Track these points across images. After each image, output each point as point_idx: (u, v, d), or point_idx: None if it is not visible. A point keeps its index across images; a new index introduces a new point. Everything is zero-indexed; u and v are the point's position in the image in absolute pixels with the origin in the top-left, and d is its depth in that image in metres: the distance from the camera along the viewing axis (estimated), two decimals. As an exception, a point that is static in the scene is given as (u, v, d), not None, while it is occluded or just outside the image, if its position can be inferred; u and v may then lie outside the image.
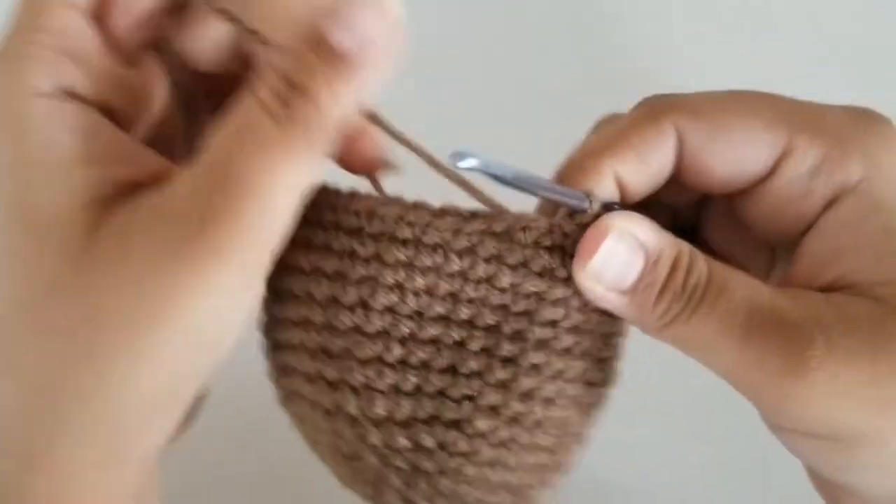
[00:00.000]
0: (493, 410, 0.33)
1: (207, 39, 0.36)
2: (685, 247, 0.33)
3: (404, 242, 0.33)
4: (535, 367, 0.34)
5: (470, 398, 0.33)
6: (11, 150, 0.31)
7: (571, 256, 0.32)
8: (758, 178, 0.34)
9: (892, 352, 0.31)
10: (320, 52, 0.29)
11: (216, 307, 0.30)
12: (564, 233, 0.32)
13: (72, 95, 0.32)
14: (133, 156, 0.32)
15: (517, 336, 0.33)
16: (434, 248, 0.32)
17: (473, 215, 0.33)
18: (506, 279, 0.32)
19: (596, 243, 0.32)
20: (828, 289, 0.34)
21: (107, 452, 0.31)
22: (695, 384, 0.38)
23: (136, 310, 0.29)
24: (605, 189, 0.34)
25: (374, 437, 0.34)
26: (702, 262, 0.33)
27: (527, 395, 0.34)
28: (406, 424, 0.33)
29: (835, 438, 0.32)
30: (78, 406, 0.30)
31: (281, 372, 0.36)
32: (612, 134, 0.35)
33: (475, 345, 0.33)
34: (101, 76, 0.32)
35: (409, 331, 0.33)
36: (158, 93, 0.36)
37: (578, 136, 0.37)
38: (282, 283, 0.35)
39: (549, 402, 0.34)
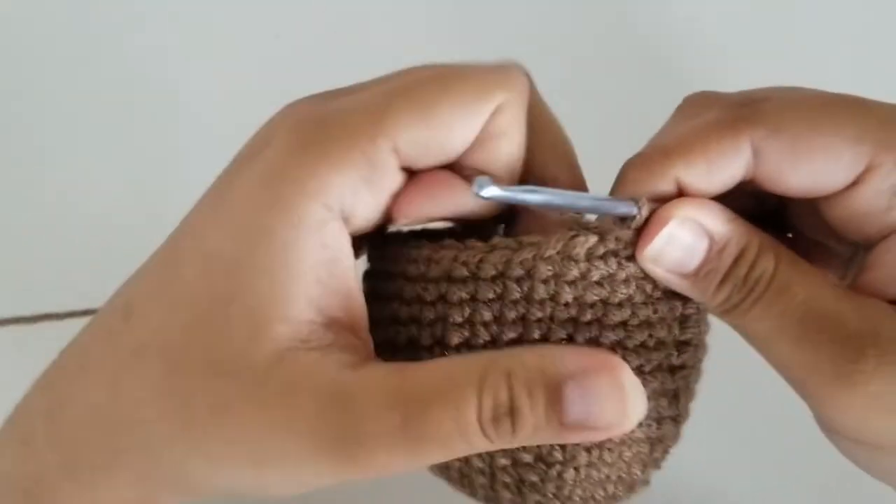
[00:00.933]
0: None
1: None
2: (755, 239, 0.34)
3: (463, 281, 0.34)
4: None
5: None
6: (266, 227, 0.32)
7: (628, 259, 0.34)
8: (836, 191, 0.34)
9: None
10: (553, 400, 0.31)
11: (308, 485, 0.33)
12: (617, 238, 0.33)
13: (342, 216, 0.32)
14: (352, 302, 0.33)
15: (591, 343, 0.35)
16: (493, 279, 0.34)
17: (521, 244, 0.34)
18: (567, 295, 0.34)
19: (657, 228, 0.33)
20: (893, 304, 0.33)
21: (137, 499, 0.34)
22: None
23: (250, 448, 0.32)
24: (663, 191, 0.34)
25: (477, 461, 0.36)
26: (769, 257, 0.33)
27: None
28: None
29: (876, 446, 0.33)
30: (145, 461, 0.33)
31: None
32: (687, 136, 0.34)
33: None
34: (372, 215, 0.33)
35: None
36: None
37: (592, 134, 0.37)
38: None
39: None
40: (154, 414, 0.32)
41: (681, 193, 0.34)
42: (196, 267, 0.32)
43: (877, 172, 0.33)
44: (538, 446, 0.35)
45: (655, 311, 0.35)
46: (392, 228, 0.37)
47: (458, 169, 0.34)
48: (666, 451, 0.39)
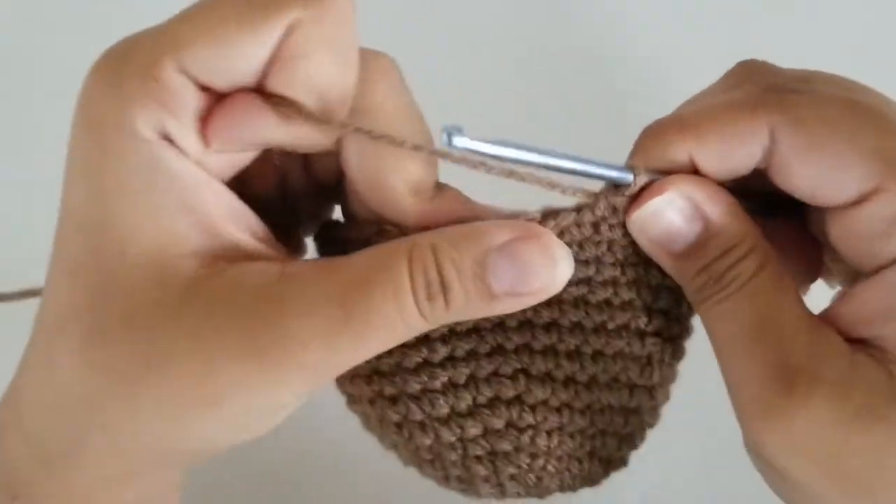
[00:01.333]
0: (548, 375, 0.35)
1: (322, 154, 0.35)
2: (750, 240, 0.33)
3: None
4: (577, 325, 0.35)
5: (523, 371, 0.35)
6: (115, 182, 0.31)
7: (611, 227, 0.33)
8: (840, 204, 0.32)
9: (868, 429, 0.31)
10: (480, 270, 0.31)
11: (271, 408, 0.32)
12: (613, 207, 0.33)
13: (177, 146, 0.31)
14: (238, 214, 0.33)
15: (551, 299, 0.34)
16: None
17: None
18: None
19: (653, 195, 0.33)
20: (860, 342, 0.33)
21: (115, 475, 0.33)
22: (694, 385, 0.38)
23: (194, 387, 0.30)
24: (675, 163, 0.33)
25: (447, 434, 0.35)
26: (754, 261, 0.33)
27: (574, 354, 0.35)
28: (471, 413, 0.35)
29: (783, 477, 0.33)
30: (106, 431, 0.32)
31: (349, 401, 0.38)
32: (706, 110, 0.34)
33: (512, 321, 0.35)
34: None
35: (446, 329, 0.35)
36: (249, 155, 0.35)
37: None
38: None
39: (599, 355, 0.36)
40: (91, 384, 0.31)
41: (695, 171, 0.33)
42: (76, 235, 0.32)
43: (883, 196, 0.31)
44: (508, 410, 0.35)
45: (623, 273, 0.35)
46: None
47: (266, 95, 0.32)
48: (642, 429, 0.38)
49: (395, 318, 0.30)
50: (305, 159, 0.36)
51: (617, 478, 0.38)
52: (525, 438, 0.35)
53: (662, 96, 0.37)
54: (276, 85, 0.31)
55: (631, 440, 0.38)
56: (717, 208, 0.33)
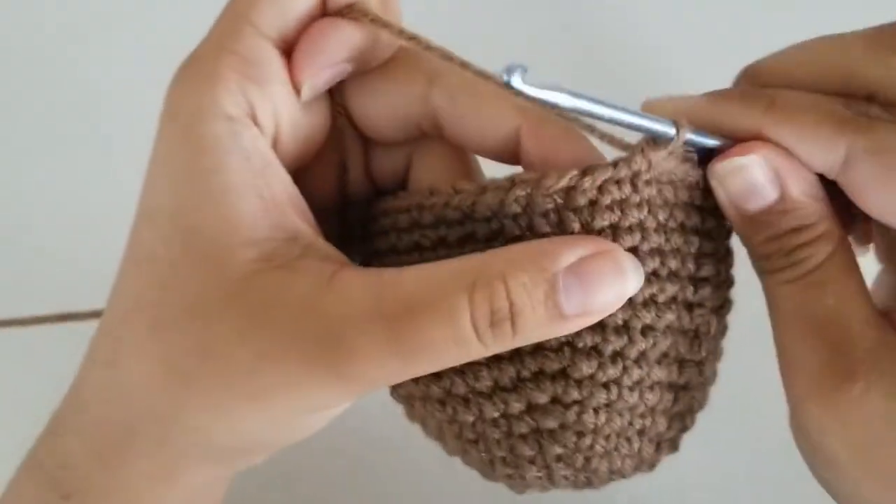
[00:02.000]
0: (594, 350, 0.34)
1: (384, 109, 0.35)
2: (824, 225, 0.33)
3: (460, 222, 0.33)
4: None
5: (568, 343, 0.34)
6: (188, 166, 0.31)
7: (647, 182, 0.32)
8: None
9: None
10: (552, 293, 0.30)
11: (316, 410, 0.32)
12: (639, 160, 0.32)
13: (253, 121, 0.32)
14: (294, 199, 0.33)
15: None
16: (489, 220, 0.33)
17: (514, 182, 0.32)
18: (574, 223, 0.32)
19: (742, 151, 0.33)
20: None
21: (161, 471, 0.33)
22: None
23: (242, 381, 0.31)
24: (737, 132, 0.34)
25: (490, 410, 0.34)
26: (826, 247, 0.33)
27: (622, 328, 0.34)
28: (515, 388, 0.34)
29: (832, 463, 0.33)
30: (157, 421, 0.32)
31: (393, 387, 0.37)
32: (796, 103, 0.34)
33: None
34: (282, 111, 0.33)
35: None
36: (319, 134, 0.36)
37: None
38: None
39: (648, 329, 0.34)
40: (148, 374, 0.32)
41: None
42: (147, 225, 0.32)
43: None
44: (553, 385, 0.33)
45: (668, 240, 0.34)
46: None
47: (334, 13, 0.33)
48: (692, 409, 0.37)
49: (448, 345, 0.30)
50: (367, 162, 0.37)
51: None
52: (571, 415, 0.34)
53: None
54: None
55: (682, 419, 0.37)
56: (799, 184, 0.33)
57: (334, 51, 0.33)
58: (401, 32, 0.33)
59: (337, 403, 0.32)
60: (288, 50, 0.33)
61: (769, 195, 0.33)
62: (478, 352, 0.30)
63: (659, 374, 0.35)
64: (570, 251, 0.31)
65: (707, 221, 0.36)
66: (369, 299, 0.30)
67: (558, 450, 0.34)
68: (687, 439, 0.38)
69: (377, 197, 0.38)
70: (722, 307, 0.37)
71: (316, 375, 0.30)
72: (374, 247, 0.37)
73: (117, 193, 0.36)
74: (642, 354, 0.34)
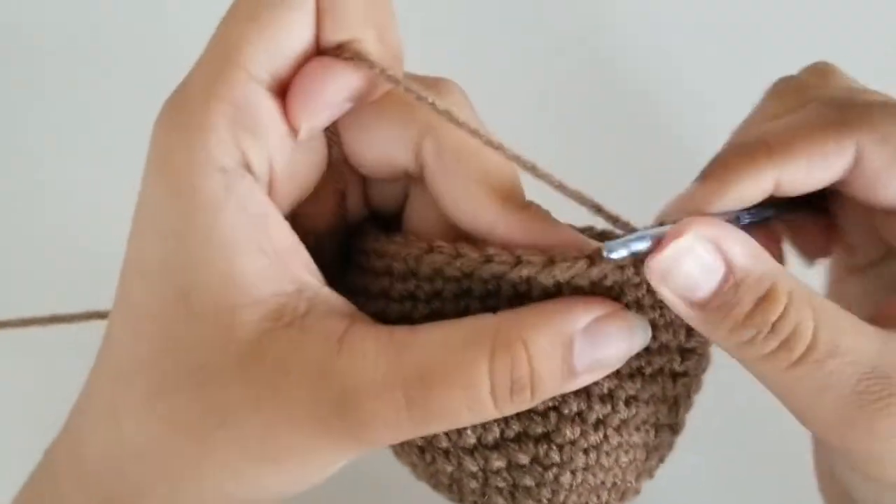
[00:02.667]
0: (579, 416, 0.34)
1: (374, 148, 0.33)
2: (784, 283, 0.30)
3: (457, 279, 0.33)
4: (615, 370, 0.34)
5: (554, 409, 0.34)
6: (182, 222, 0.30)
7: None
8: None
9: None
10: (567, 355, 0.30)
11: (330, 465, 0.32)
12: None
13: (248, 170, 0.30)
14: (295, 248, 0.32)
15: None
16: (486, 281, 0.32)
17: (520, 260, 0.31)
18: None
19: (669, 240, 0.30)
20: None
21: None
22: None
23: (257, 445, 0.30)
24: (758, 193, 0.33)
25: (470, 464, 0.35)
26: (805, 309, 0.30)
27: (607, 397, 0.34)
28: (497, 446, 0.34)
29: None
30: (169, 482, 0.32)
31: None
32: (789, 132, 0.33)
33: None
34: (277, 155, 0.31)
35: None
36: (316, 173, 0.34)
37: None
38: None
39: (632, 399, 0.35)
40: (158, 437, 0.31)
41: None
42: (139, 281, 0.31)
43: None
44: (535, 447, 0.34)
45: (662, 315, 0.34)
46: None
47: (329, 52, 0.31)
48: (660, 460, 0.38)
49: (463, 412, 0.30)
50: (365, 189, 0.36)
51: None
52: (549, 475, 0.35)
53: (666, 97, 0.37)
54: (332, 33, 0.30)
55: (649, 472, 0.38)
56: (736, 247, 0.30)
57: (332, 93, 0.31)
58: (397, 81, 0.31)
59: (349, 458, 0.32)
60: (281, 90, 0.31)
61: (716, 272, 0.30)
62: (491, 416, 0.31)
63: (636, 438, 0.36)
64: (586, 313, 0.31)
65: None
66: (384, 363, 0.30)
67: (531, 503, 0.35)
68: (681, 441, 0.38)
69: (373, 225, 0.36)
70: (703, 370, 0.37)
71: (332, 439, 0.30)
72: (364, 284, 0.35)
73: (115, 193, 0.36)
74: (623, 422, 0.35)
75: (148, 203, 0.31)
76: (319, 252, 0.34)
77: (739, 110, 0.39)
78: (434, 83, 0.32)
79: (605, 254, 0.30)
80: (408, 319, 0.33)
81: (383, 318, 0.33)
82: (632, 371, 0.35)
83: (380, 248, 0.34)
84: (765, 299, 0.30)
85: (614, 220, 0.32)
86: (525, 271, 0.31)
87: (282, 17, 0.30)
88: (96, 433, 0.33)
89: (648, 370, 0.35)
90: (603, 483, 0.36)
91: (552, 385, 0.30)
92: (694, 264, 0.30)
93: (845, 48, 0.41)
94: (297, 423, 0.30)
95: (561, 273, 0.31)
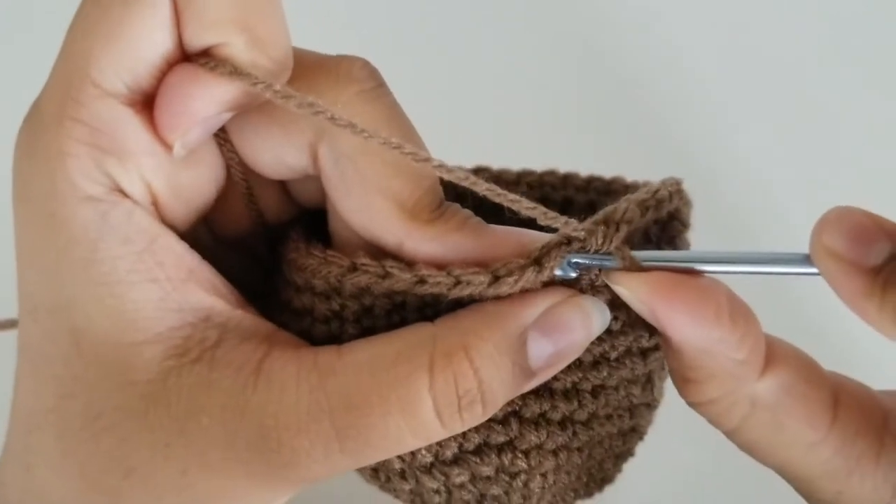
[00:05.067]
0: (542, 417, 0.31)
1: (269, 152, 0.29)
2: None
3: (387, 295, 0.29)
4: (574, 362, 0.31)
5: (514, 413, 0.31)
6: (59, 258, 0.26)
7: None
8: None
9: None
10: (520, 358, 0.27)
11: None
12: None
13: (122, 195, 0.27)
14: (195, 271, 0.28)
15: None
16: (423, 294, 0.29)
17: (458, 280, 0.28)
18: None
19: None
20: None
21: None
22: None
23: (173, 495, 0.27)
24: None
25: (430, 482, 0.32)
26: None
27: (571, 392, 0.32)
28: (457, 461, 0.31)
29: None
30: None
31: None
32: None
33: None
34: (153, 174, 0.27)
35: None
36: (212, 181, 0.30)
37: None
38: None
39: (599, 389, 0.32)
40: (68, 490, 0.28)
41: None
42: (32, 324, 0.28)
43: None
44: (498, 457, 0.31)
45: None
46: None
47: (196, 58, 0.27)
48: (641, 437, 0.35)
49: (405, 437, 0.26)
50: (283, 186, 0.32)
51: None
52: (517, 483, 0.32)
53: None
54: (195, 36, 0.26)
55: (627, 455, 0.36)
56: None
57: (201, 108, 0.26)
58: (275, 91, 0.26)
59: (286, 497, 0.29)
60: (147, 101, 0.27)
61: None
62: (441, 437, 0.28)
63: (609, 427, 0.33)
64: (534, 306, 0.28)
65: None
66: (306, 392, 0.26)
67: None
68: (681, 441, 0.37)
69: (297, 229, 0.32)
70: None
71: (256, 481, 0.27)
72: (288, 298, 0.32)
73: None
74: (593, 415, 0.32)
75: (22, 237, 0.28)
76: (238, 261, 0.31)
77: (740, 110, 0.39)
78: (334, 66, 0.28)
79: (557, 273, 0.28)
80: (336, 340, 0.29)
81: (309, 338, 0.30)
82: (595, 359, 0.31)
83: (298, 260, 0.30)
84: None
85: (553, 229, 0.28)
86: (468, 291, 0.28)
87: (131, 21, 0.25)
88: (13, 482, 0.30)
89: (613, 354, 0.31)
90: (578, 478, 0.34)
91: (505, 392, 0.27)
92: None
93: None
94: (214, 468, 0.27)
95: (510, 288, 0.28)
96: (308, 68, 0.28)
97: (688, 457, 0.38)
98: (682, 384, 0.29)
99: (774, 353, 0.29)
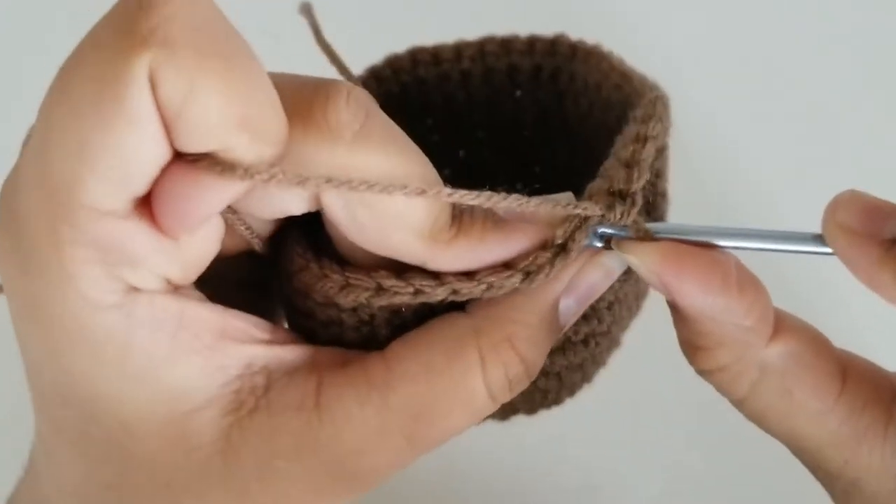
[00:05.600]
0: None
1: (267, 209, 0.28)
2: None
3: None
4: None
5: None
6: (95, 368, 0.26)
7: None
8: None
9: None
10: (555, 324, 0.29)
11: None
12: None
13: (137, 291, 0.26)
14: (226, 328, 0.28)
15: None
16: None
17: (454, 290, 0.29)
18: None
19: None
20: None
21: None
22: (690, 386, 0.38)
23: None
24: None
25: None
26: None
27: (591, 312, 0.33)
28: None
29: None
30: None
31: None
32: None
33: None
34: (163, 265, 0.26)
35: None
36: (215, 240, 0.28)
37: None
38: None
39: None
40: None
41: None
42: (63, 411, 0.28)
43: None
44: None
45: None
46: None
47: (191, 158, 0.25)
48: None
49: (463, 424, 0.29)
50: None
51: (617, 484, 0.37)
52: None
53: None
54: (190, 146, 0.24)
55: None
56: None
57: (207, 208, 0.25)
58: (290, 178, 0.25)
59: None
60: (146, 201, 0.25)
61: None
62: (492, 410, 0.29)
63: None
64: (562, 280, 0.29)
65: None
66: (372, 415, 0.28)
67: None
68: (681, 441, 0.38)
69: (294, 234, 0.31)
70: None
71: (335, 498, 0.28)
72: (307, 310, 0.31)
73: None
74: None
75: (35, 349, 0.27)
76: (252, 272, 0.31)
77: (739, 110, 0.39)
78: (321, 116, 0.26)
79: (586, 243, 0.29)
80: (369, 342, 0.30)
81: (340, 342, 0.30)
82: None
83: (316, 285, 0.30)
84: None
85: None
86: (501, 293, 0.29)
87: (118, 141, 0.23)
88: None
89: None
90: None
91: (544, 355, 0.30)
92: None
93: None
94: (298, 500, 0.28)
95: (542, 281, 0.29)
96: (292, 121, 0.25)
97: (688, 457, 0.38)
98: (692, 352, 0.30)
99: (784, 323, 0.30)
